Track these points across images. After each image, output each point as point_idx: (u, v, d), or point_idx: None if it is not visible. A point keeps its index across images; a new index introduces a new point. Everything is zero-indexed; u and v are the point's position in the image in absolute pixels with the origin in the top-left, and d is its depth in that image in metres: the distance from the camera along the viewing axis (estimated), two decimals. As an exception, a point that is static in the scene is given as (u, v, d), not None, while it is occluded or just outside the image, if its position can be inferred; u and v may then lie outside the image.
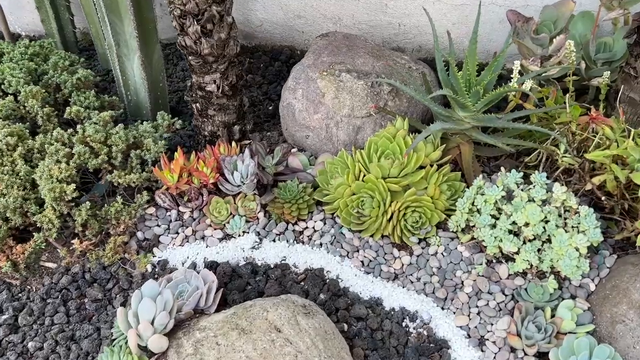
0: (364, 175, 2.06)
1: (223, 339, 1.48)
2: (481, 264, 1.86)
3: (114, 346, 1.60)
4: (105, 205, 2.00)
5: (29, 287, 1.93)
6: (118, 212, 1.96)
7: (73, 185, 1.88)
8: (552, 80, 2.32)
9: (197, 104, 2.35)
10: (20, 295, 1.92)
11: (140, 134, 2.18)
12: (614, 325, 1.63)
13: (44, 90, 2.26)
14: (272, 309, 1.56)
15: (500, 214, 1.92)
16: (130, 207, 2.04)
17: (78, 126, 2.09)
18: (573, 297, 1.78)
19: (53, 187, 1.85)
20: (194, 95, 2.34)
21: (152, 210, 2.15)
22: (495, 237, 1.83)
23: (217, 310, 1.69)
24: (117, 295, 1.90)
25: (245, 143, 2.47)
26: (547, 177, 2.13)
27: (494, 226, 1.89)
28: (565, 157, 2.03)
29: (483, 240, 1.85)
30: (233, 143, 2.28)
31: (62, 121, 2.27)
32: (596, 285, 1.79)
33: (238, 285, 1.85)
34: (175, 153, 2.14)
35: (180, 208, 2.15)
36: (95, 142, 2.04)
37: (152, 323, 1.55)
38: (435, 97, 2.26)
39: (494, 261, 1.88)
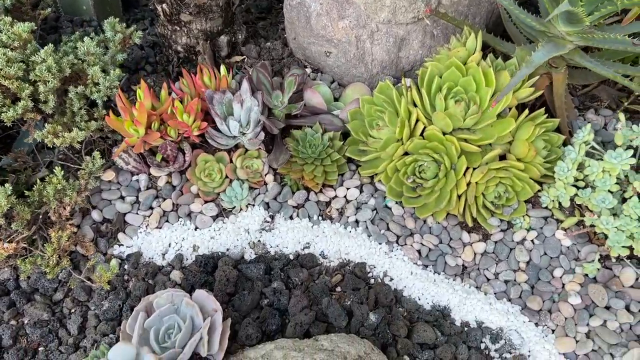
0: (424, 127, 1.40)
1: None
2: (592, 263, 1.32)
3: None
4: (39, 178, 1.31)
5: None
6: (59, 192, 1.29)
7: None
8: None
9: (164, 5, 1.56)
10: None
11: (80, 58, 1.42)
12: None
13: None
14: (316, 376, 1.01)
15: (622, 188, 1.34)
16: (77, 175, 1.37)
17: (-24, 50, 1.32)
18: None
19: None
20: (157, -10, 1.54)
21: (110, 175, 1.47)
22: (622, 232, 1.27)
23: (226, 356, 1.13)
24: (72, 313, 1.31)
25: (237, 60, 1.72)
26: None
27: (612, 208, 1.32)
28: None
29: (597, 233, 1.29)
30: (222, 67, 1.54)
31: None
32: None
33: (250, 301, 1.27)
34: (138, 90, 1.41)
35: (152, 171, 1.49)
36: (9, 79, 1.29)
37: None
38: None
39: (613, 259, 1.34)
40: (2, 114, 1.28)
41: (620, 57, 1.60)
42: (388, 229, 1.44)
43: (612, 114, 1.62)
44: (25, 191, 1.31)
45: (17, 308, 1.30)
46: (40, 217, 1.34)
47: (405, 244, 1.42)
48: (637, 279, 1.29)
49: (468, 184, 1.37)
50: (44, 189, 1.28)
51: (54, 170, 1.32)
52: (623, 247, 1.26)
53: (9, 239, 1.25)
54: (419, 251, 1.41)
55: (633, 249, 1.26)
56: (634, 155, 1.31)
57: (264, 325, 1.22)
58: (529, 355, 1.28)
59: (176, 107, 1.39)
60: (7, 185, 1.23)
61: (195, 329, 1.14)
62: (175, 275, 1.35)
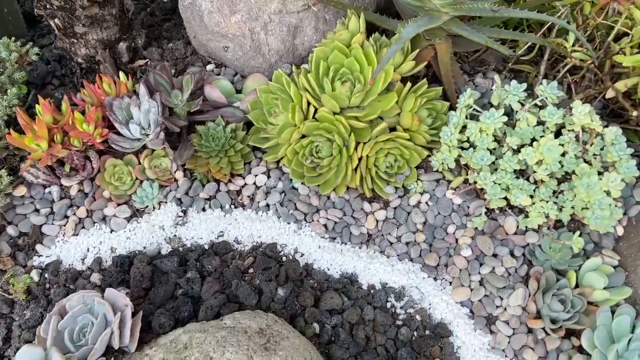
0: (316, 110, 1.48)
1: (153, 416, 1.03)
2: (480, 216, 1.43)
3: None
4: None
5: None
6: (-34, 213, 1.34)
7: None
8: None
9: (57, 20, 1.60)
10: None
11: (-25, 80, 1.45)
12: (654, 284, 1.30)
13: None
14: (218, 351, 1.09)
15: (500, 144, 1.45)
16: (-15, 195, 1.41)
17: None
18: (596, 244, 1.41)
19: None
20: (47, 5, 1.57)
21: (22, 190, 1.52)
22: (499, 185, 1.38)
23: (139, 345, 1.21)
24: (-4, 326, 1.37)
25: (141, 65, 1.77)
26: (544, 77, 1.65)
27: (493, 164, 1.43)
28: (576, 51, 1.52)
29: (483, 189, 1.40)
30: (121, 74, 1.59)
31: None
32: (624, 227, 1.42)
33: (164, 292, 1.35)
34: (37, 106, 1.46)
35: (63, 181, 1.53)
36: None
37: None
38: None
39: (497, 211, 1.45)
40: None
41: (500, 22, 1.71)
42: (296, 208, 1.53)
43: (499, 76, 1.73)
44: None
45: (-59, 329, 1.35)
46: (-46, 239, 1.39)
47: (313, 221, 1.51)
48: (517, 226, 1.41)
49: (360, 158, 1.46)
50: (-49, 212, 1.33)
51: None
52: (500, 198, 1.37)
53: None
54: (325, 225, 1.51)
55: (508, 200, 1.37)
56: (507, 114, 1.42)
57: (177, 313, 1.30)
58: (429, 308, 1.39)
59: (75, 118, 1.44)
60: None
61: (107, 325, 1.21)
62: (95, 277, 1.42)
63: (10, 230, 1.47)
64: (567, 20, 1.57)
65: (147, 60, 1.77)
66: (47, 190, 1.54)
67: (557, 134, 1.41)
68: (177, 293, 1.37)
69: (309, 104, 1.48)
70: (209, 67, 1.79)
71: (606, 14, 1.49)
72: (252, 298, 1.33)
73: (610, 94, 1.45)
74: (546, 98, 1.43)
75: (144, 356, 1.15)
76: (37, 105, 1.45)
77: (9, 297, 1.38)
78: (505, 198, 1.39)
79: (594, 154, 1.39)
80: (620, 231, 1.41)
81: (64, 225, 1.50)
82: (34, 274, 1.42)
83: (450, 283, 1.41)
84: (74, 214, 1.52)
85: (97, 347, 1.16)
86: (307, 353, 1.19)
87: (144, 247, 1.48)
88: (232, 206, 1.55)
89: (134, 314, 1.24)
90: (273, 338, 1.16)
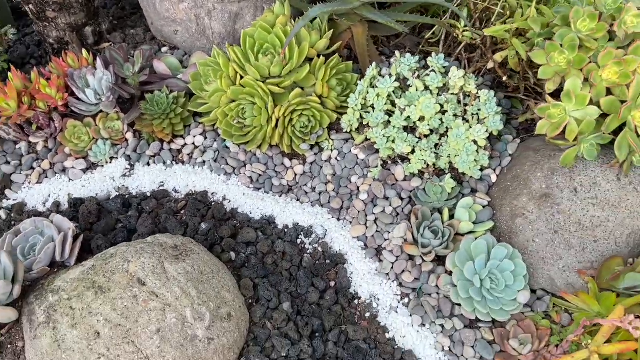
0: (242, 78, 1.76)
1: (78, 302, 1.28)
2: (376, 167, 1.68)
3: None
4: None
5: None
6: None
7: None
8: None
9: (31, 5, 1.90)
10: None
11: (-41, 53, 1.75)
12: (514, 219, 1.53)
13: None
14: (135, 258, 1.35)
15: (395, 108, 1.70)
16: (-36, 146, 1.69)
17: None
18: (474, 190, 1.65)
19: None
20: (23, -7, 1.88)
21: (-4, 145, 1.81)
22: (387, 138, 1.63)
23: (79, 261, 1.47)
24: (-32, 253, 1.63)
25: (105, 47, 2.07)
26: (449, 55, 1.91)
27: (388, 123, 1.68)
28: (466, 31, 1.78)
29: (376, 142, 1.66)
30: (85, 51, 1.88)
31: None
32: (497, 176, 1.66)
33: (105, 225, 1.61)
34: (9, 73, 1.75)
35: (31, 138, 1.81)
36: None
37: (-7, 293, 1.32)
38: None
39: (390, 162, 1.70)
40: None
41: (414, 9, 1.99)
42: (227, 163, 1.79)
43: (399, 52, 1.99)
44: None
45: None
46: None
47: (240, 173, 1.77)
48: (405, 174, 1.66)
49: (278, 119, 1.73)
50: None
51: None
52: (387, 148, 1.63)
53: None
54: (250, 178, 1.76)
55: (394, 150, 1.63)
56: (399, 80, 1.68)
57: (114, 239, 1.56)
58: (331, 241, 1.63)
59: (40, 83, 1.73)
60: None
61: (50, 244, 1.47)
62: (53, 217, 1.68)
63: (-16, 177, 1.75)
64: (462, 7, 1.84)
65: (110, 43, 2.07)
66: (17, 146, 1.82)
67: (444, 98, 1.66)
68: (117, 226, 1.63)
69: (236, 72, 1.76)
70: (164, 49, 2.07)
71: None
72: (179, 230, 1.59)
73: (490, 65, 1.70)
74: (435, 68, 1.69)
75: (79, 266, 1.41)
76: (9, 73, 1.74)
77: (-21, 231, 1.65)
78: (394, 150, 1.64)
79: (472, 114, 1.64)
80: (494, 178, 1.65)
81: (30, 175, 1.78)
82: (2, 213, 1.69)
83: (351, 222, 1.66)
84: (39, 165, 1.79)
85: (42, 257, 1.42)
86: (215, 267, 1.44)
87: (96, 194, 1.75)
88: (173, 162, 1.81)
89: (76, 238, 1.51)
90: (185, 253, 1.42)
